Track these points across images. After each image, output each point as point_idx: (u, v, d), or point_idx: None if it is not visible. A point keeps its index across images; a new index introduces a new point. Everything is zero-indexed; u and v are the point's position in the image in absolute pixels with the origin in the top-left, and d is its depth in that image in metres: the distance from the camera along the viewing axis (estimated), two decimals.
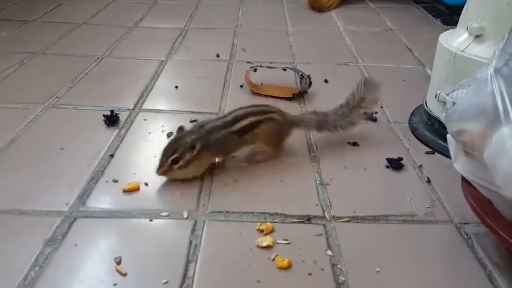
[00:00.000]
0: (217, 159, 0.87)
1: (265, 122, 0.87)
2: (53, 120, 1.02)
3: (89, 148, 0.92)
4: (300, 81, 1.18)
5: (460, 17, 1.06)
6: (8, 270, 0.62)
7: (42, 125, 1.00)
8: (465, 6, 1.03)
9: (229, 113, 0.88)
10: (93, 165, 0.86)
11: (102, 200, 0.77)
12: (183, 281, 0.61)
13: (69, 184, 0.81)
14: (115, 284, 0.60)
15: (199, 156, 0.80)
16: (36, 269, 0.63)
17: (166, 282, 0.60)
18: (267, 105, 0.93)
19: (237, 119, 0.86)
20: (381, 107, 1.13)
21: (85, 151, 0.91)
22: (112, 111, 1.03)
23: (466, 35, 0.94)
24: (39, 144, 0.92)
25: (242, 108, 0.89)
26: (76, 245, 0.67)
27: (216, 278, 0.62)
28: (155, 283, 0.60)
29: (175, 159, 0.79)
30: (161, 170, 0.80)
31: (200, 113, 1.09)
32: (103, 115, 1.02)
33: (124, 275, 0.62)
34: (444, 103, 0.95)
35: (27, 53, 1.39)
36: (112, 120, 1.01)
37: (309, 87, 1.19)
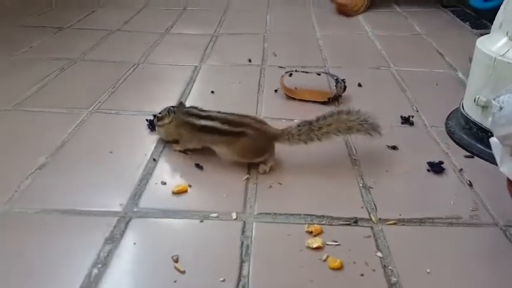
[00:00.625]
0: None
1: (234, 135, 0.88)
2: (99, 125, 1.06)
3: (136, 151, 0.95)
4: (335, 86, 1.20)
5: (494, 22, 1.07)
6: (73, 267, 0.66)
7: (89, 129, 1.04)
8: (501, 10, 1.04)
9: (220, 112, 0.94)
10: (141, 167, 0.90)
11: (153, 201, 0.80)
12: (239, 279, 0.63)
13: (120, 186, 0.84)
14: (175, 281, 0.63)
15: (170, 126, 0.95)
16: (99, 266, 0.66)
17: (223, 280, 0.63)
18: (253, 118, 0.94)
19: (213, 118, 0.92)
20: (417, 111, 1.14)
21: (132, 154, 0.94)
22: (154, 115, 1.06)
23: (505, 39, 0.95)
24: (88, 147, 0.96)
25: (233, 114, 0.93)
26: (135, 243, 0.70)
27: (271, 277, 0.64)
28: (213, 281, 0.63)
29: (157, 117, 0.98)
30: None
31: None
32: (146, 119, 1.06)
33: (183, 272, 0.64)
34: (483, 107, 0.97)
35: (67, 59, 1.44)
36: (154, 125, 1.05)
37: (344, 91, 1.21)
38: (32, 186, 0.83)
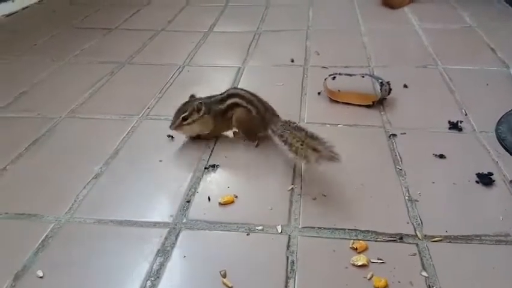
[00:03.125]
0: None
1: (241, 107, 1.02)
2: (149, 132, 1.10)
3: (184, 160, 0.99)
4: (380, 89, 1.19)
5: None
6: (128, 278, 0.70)
7: (140, 137, 1.08)
8: None
9: (226, 90, 1.06)
10: (189, 177, 0.93)
11: (201, 212, 0.84)
12: None
13: (170, 196, 0.88)
14: None
15: (203, 119, 1.01)
16: (153, 279, 0.70)
17: None
18: (256, 96, 1.05)
19: (225, 98, 1.04)
20: (466, 115, 1.11)
21: (180, 163, 0.98)
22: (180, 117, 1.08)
23: None
24: (139, 156, 1.00)
25: (236, 88, 1.10)
26: (184, 256, 0.74)
27: None
28: None
29: (184, 117, 0.99)
30: (174, 125, 1.00)
31: None
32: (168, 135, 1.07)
33: None
34: None
35: (116, 63, 1.49)
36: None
37: (389, 93, 1.19)
38: (89, 196, 0.89)
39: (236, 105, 1.02)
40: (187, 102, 1.03)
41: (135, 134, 1.09)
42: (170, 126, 1.00)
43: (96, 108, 1.22)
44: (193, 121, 1.00)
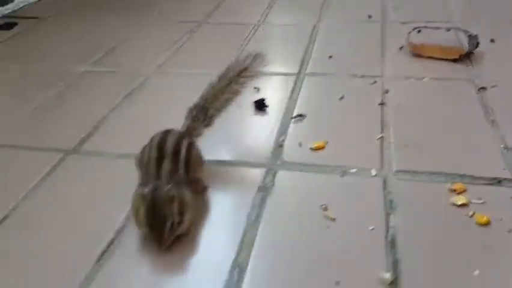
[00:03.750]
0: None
1: None
2: None
3: (271, 109, 1.02)
4: (468, 42, 1.16)
5: None
6: (236, 210, 0.75)
7: None
8: None
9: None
10: (277, 125, 0.97)
11: (294, 156, 0.87)
12: (387, 229, 0.68)
13: (262, 142, 0.92)
14: (328, 227, 0.70)
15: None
16: (256, 209, 0.75)
17: (373, 229, 0.68)
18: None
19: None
20: None
21: (271, 108, 1.02)
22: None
23: None
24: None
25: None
26: (283, 192, 0.78)
27: (418, 229, 0.68)
28: (363, 229, 0.69)
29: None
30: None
31: (363, 76, 1.13)
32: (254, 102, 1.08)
33: (333, 219, 0.71)
34: None
35: (193, 22, 1.54)
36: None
37: (476, 47, 1.16)
38: None
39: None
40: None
41: None
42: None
43: (181, 64, 1.27)
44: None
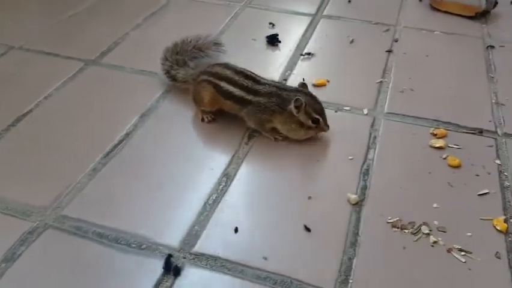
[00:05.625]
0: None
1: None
2: (249, 19, 1.19)
3: (283, 45, 1.07)
4: (486, 0, 1.16)
5: None
6: (234, 132, 0.83)
7: (241, 22, 1.17)
8: None
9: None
10: (286, 61, 1.02)
11: None
12: (365, 160, 0.75)
13: (271, 72, 0.96)
14: (311, 154, 0.77)
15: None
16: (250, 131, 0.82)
17: (352, 159, 0.75)
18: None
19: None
20: None
21: (278, 47, 1.06)
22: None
23: None
24: (243, 37, 1.10)
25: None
26: None
27: (393, 163, 0.75)
28: (343, 157, 0.76)
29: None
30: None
31: (377, 23, 1.16)
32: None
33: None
34: None
35: None
36: None
37: (494, 7, 1.16)
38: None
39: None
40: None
41: (238, 20, 1.18)
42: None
43: None
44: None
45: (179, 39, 0.96)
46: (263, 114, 0.78)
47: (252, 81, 0.80)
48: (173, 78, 0.91)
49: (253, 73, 0.82)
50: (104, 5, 1.24)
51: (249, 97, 0.79)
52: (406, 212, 0.66)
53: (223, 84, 0.80)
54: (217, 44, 1.00)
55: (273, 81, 0.82)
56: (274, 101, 0.78)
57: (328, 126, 0.78)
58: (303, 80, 0.95)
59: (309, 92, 0.80)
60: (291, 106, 0.76)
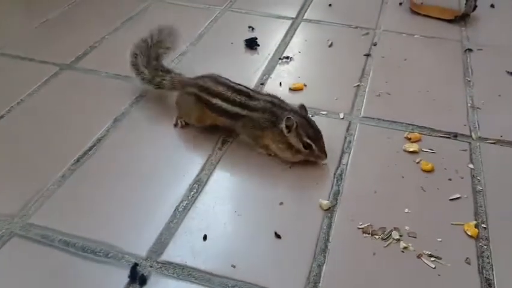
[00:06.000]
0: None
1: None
2: (229, 22, 1.18)
3: (261, 48, 1.06)
4: (465, 4, 1.16)
5: None
6: (208, 137, 0.82)
7: (221, 26, 1.16)
8: None
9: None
10: (264, 64, 1.01)
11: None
12: (338, 165, 0.75)
13: (245, 77, 0.96)
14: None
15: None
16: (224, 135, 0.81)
17: (325, 164, 0.75)
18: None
19: None
20: None
21: (257, 51, 1.06)
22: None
23: None
24: (221, 40, 1.09)
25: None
26: None
27: (367, 168, 0.74)
28: (317, 164, 0.75)
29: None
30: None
31: (357, 27, 1.15)
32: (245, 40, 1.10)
33: None
34: None
35: None
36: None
37: (473, 10, 1.16)
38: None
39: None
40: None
41: (217, 23, 1.17)
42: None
43: None
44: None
45: (135, 45, 0.90)
46: (255, 130, 0.76)
47: (245, 97, 0.77)
48: (158, 86, 0.86)
49: (247, 87, 0.79)
50: (82, 9, 1.23)
51: (244, 112, 0.76)
52: (378, 217, 0.65)
53: (215, 101, 0.77)
54: (170, 34, 0.93)
55: (270, 95, 0.78)
56: (266, 117, 0.75)
57: (325, 154, 0.73)
58: (280, 84, 0.95)
59: (305, 114, 0.76)
60: (282, 125, 0.73)
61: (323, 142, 0.74)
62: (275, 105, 0.76)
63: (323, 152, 0.74)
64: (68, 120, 0.84)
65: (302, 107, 0.77)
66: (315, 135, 0.74)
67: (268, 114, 0.75)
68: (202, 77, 0.82)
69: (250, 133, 0.77)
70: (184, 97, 0.82)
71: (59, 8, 1.22)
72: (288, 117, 0.72)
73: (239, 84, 0.79)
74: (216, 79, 0.80)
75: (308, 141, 0.73)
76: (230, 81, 0.80)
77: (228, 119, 0.78)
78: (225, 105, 0.77)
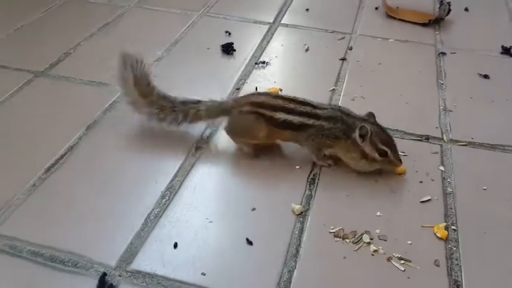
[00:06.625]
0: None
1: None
2: (206, 28, 1.18)
3: (238, 53, 1.06)
4: (438, 8, 1.18)
5: None
6: (183, 145, 0.81)
7: (197, 31, 1.16)
8: None
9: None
10: (241, 69, 1.01)
11: None
12: (312, 170, 0.75)
13: (222, 82, 0.96)
14: (258, 163, 0.76)
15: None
16: (200, 139, 0.81)
17: (299, 168, 0.75)
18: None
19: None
20: None
21: (234, 56, 1.06)
22: None
23: None
24: (198, 46, 1.09)
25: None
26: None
27: (339, 171, 0.74)
28: (291, 167, 0.75)
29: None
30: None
31: (333, 32, 1.16)
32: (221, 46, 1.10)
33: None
34: None
35: None
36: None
37: (447, 14, 1.18)
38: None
39: None
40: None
41: (194, 28, 1.17)
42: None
43: (160, 1, 1.30)
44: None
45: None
46: (325, 139, 0.72)
47: (310, 107, 0.74)
48: (195, 119, 0.78)
49: (306, 99, 0.75)
50: (57, 16, 1.22)
51: (310, 121, 0.72)
52: (349, 221, 0.65)
53: (279, 115, 0.73)
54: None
55: (334, 105, 0.76)
56: (339, 126, 0.72)
57: (400, 161, 0.71)
58: (256, 89, 0.95)
59: (376, 122, 0.74)
60: (356, 134, 0.71)
61: (397, 149, 0.72)
62: (344, 113, 0.73)
63: (398, 159, 0.72)
64: (40, 129, 0.83)
65: (371, 114, 0.75)
66: (389, 142, 0.72)
67: (340, 124, 0.72)
68: (251, 95, 0.79)
69: (316, 142, 0.73)
70: (239, 118, 0.76)
71: (33, 14, 1.21)
72: (362, 126, 0.70)
73: (297, 97, 0.76)
74: (268, 94, 0.78)
75: (384, 148, 0.71)
76: (285, 95, 0.77)
77: (294, 132, 0.74)
78: (290, 117, 0.73)
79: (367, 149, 0.71)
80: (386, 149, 0.71)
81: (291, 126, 0.73)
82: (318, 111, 0.73)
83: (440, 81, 0.97)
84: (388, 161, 0.71)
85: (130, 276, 0.58)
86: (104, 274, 0.58)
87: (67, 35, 1.12)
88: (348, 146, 0.72)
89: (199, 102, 0.79)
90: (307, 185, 0.72)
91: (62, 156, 0.76)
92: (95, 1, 1.29)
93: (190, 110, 0.79)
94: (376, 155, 0.71)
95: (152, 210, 0.67)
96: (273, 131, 0.74)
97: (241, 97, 0.79)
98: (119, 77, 0.80)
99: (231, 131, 0.78)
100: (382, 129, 0.73)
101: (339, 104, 0.90)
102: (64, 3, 1.28)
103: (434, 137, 0.81)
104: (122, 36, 1.13)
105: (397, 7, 1.24)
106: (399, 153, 0.72)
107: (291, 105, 0.74)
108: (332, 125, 0.72)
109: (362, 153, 0.71)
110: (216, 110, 0.79)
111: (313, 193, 0.70)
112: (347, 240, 0.63)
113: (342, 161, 0.74)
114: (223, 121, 0.80)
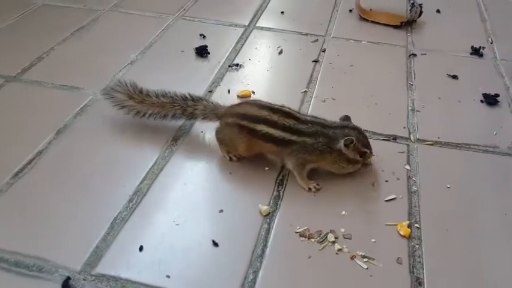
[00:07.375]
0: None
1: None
2: (181, 31, 1.18)
3: (212, 56, 1.07)
4: (410, 10, 1.20)
5: None
6: (152, 147, 0.82)
7: (172, 34, 1.16)
8: None
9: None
10: (214, 72, 1.01)
11: (221, 101, 0.91)
12: (281, 171, 0.75)
13: (195, 85, 0.96)
14: (229, 163, 0.77)
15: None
16: (169, 144, 0.81)
17: (268, 169, 0.75)
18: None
19: None
20: (491, 43, 1.12)
21: (207, 59, 1.06)
22: None
23: None
24: (172, 49, 1.09)
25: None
26: (197, 133, 0.85)
27: (308, 172, 0.75)
28: (260, 168, 0.75)
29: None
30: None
31: (307, 34, 1.17)
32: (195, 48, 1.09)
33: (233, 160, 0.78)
34: None
35: None
36: None
37: (419, 16, 1.20)
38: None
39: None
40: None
41: (169, 31, 1.17)
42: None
43: (136, 4, 1.30)
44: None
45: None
46: (310, 155, 0.72)
47: (293, 120, 0.73)
48: (191, 117, 0.81)
49: (291, 109, 0.75)
50: (30, 21, 1.21)
51: (293, 137, 0.72)
52: (315, 221, 0.66)
53: (260, 127, 0.72)
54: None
55: (313, 117, 0.75)
56: (321, 140, 0.71)
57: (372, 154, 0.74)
58: (228, 91, 0.95)
59: (354, 125, 0.74)
60: (341, 145, 0.71)
61: (370, 146, 0.74)
62: (324, 126, 0.73)
63: (371, 153, 0.74)
64: (9, 134, 0.82)
65: (347, 118, 0.76)
66: (367, 141, 0.74)
67: (322, 138, 0.72)
68: (239, 104, 0.80)
69: (300, 159, 0.72)
70: (225, 128, 0.77)
71: (6, 19, 1.20)
72: (348, 138, 0.70)
73: (283, 107, 0.75)
74: (257, 104, 0.77)
75: (365, 150, 0.72)
76: (272, 104, 0.76)
77: (276, 146, 0.73)
78: (272, 130, 0.72)
79: (351, 155, 0.72)
80: (366, 150, 0.73)
81: (272, 140, 0.72)
82: (301, 127, 0.72)
83: (409, 82, 0.99)
84: (365, 158, 0.74)
85: (94, 280, 0.58)
86: (68, 278, 0.58)
87: (40, 39, 1.12)
88: (334, 158, 0.72)
89: (199, 100, 0.81)
90: (276, 186, 0.73)
91: (30, 161, 0.76)
92: (71, 5, 1.28)
93: (187, 108, 0.81)
94: (357, 157, 0.72)
95: (119, 213, 0.67)
96: (256, 143, 0.74)
97: (232, 106, 0.79)
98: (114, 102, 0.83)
99: (217, 139, 0.79)
100: (359, 131, 0.74)
101: (310, 106, 0.91)
102: (39, 7, 1.27)
103: (402, 137, 0.83)
104: (96, 40, 1.13)
105: (370, 9, 1.26)
106: None
107: (275, 118, 0.73)
108: (315, 140, 0.72)
109: (347, 161, 0.72)
110: (210, 115, 0.80)
111: (281, 194, 0.71)
112: (312, 239, 0.64)
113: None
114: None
